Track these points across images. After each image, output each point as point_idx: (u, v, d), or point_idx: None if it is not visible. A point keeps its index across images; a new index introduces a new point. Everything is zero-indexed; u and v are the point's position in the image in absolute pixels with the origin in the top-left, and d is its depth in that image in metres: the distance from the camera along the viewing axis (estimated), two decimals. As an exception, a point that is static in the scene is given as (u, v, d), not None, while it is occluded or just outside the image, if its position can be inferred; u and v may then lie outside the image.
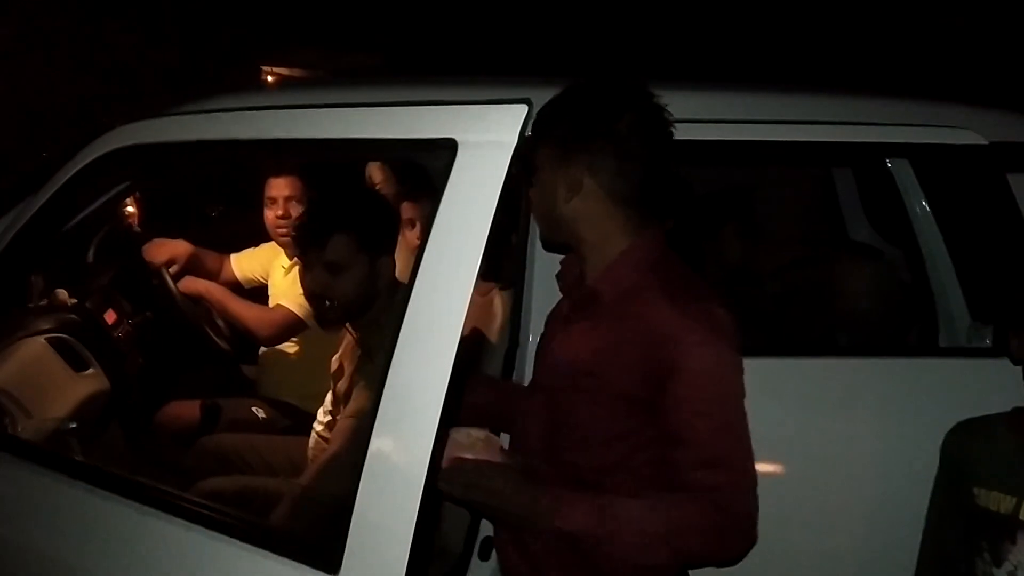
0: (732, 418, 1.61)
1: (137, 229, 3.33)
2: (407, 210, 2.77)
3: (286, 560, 1.57)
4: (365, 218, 2.38)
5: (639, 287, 1.65)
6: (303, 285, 2.43)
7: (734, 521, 1.58)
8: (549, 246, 1.85)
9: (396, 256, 2.45)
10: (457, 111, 1.54)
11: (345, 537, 1.46)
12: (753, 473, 1.61)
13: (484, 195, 1.45)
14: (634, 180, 1.67)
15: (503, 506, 1.62)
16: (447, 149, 1.51)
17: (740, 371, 1.64)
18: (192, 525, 1.72)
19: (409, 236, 2.78)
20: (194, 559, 1.71)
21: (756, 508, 1.60)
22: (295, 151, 1.70)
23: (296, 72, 7.13)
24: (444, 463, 1.59)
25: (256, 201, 3.27)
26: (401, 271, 2.47)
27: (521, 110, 1.48)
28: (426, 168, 1.58)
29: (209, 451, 2.79)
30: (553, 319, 1.84)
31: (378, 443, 1.47)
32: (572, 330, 1.75)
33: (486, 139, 1.49)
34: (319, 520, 2.05)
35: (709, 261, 2.79)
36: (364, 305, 2.38)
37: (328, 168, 2.99)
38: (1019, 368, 1.94)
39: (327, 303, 2.36)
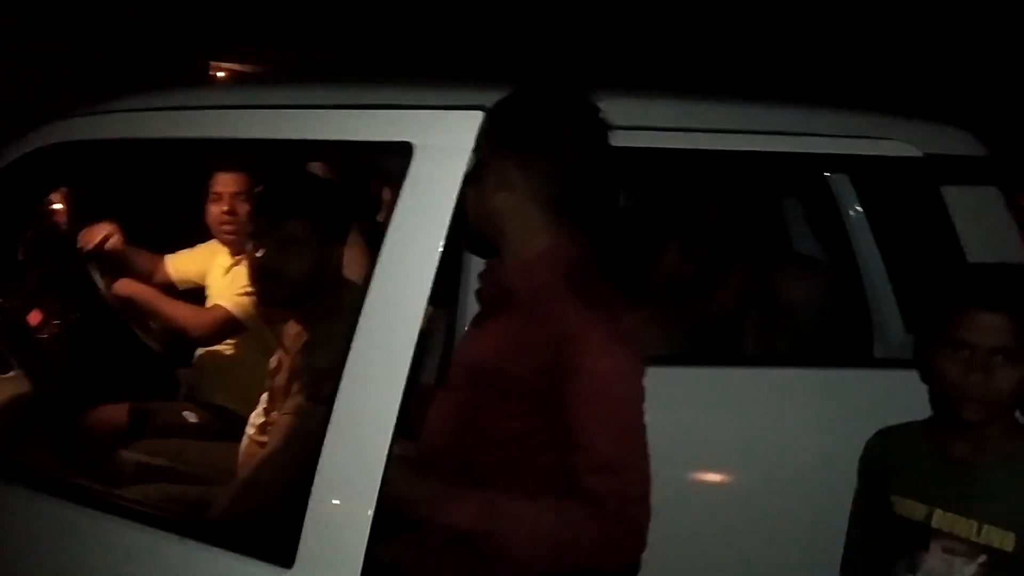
0: (629, 424, 1.60)
1: (66, 228, 3.22)
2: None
3: (239, 556, 1.56)
4: (323, 203, 2.38)
5: (550, 288, 1.66)
6: (252, 263, 2.39)
7: (620, 530, 1.57)
8: (471, 243, 1.85)
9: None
10: (413, 115, 1.54)
11: (299, 531, 1.46)
12: (646, 482, 1.60)
13: (441, 198, 1.46)
14: (564, 186, 1.68)
15: (391, 494, 1.61)
16: (402, 152, 1.50)
17: (640, 378, 1.63)
18: (136, 524, 1.72)
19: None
20: (139, 556, 1.68)
21: (646, 517, 1.59)
22: (246, 151, 1.67)
23: (247, 68, 6.97)
24: None
25: (194, 202, 3.19)
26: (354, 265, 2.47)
27: (477, 116, 1.49)
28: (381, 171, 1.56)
29: (134, 457, 2.70)
30: (474, 318, 1.86)
31: (334, 437, 1.47)
32: (482, 328, 1.76)
33: (442, 143, 1.49)
34: (268, 515, 2.01)
35: (649, 275, 2.80)
36: (311, 290, 2.37)
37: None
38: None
39: (276, 280, 2.34)
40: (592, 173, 1.70)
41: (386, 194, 2.54)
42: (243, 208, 3.06)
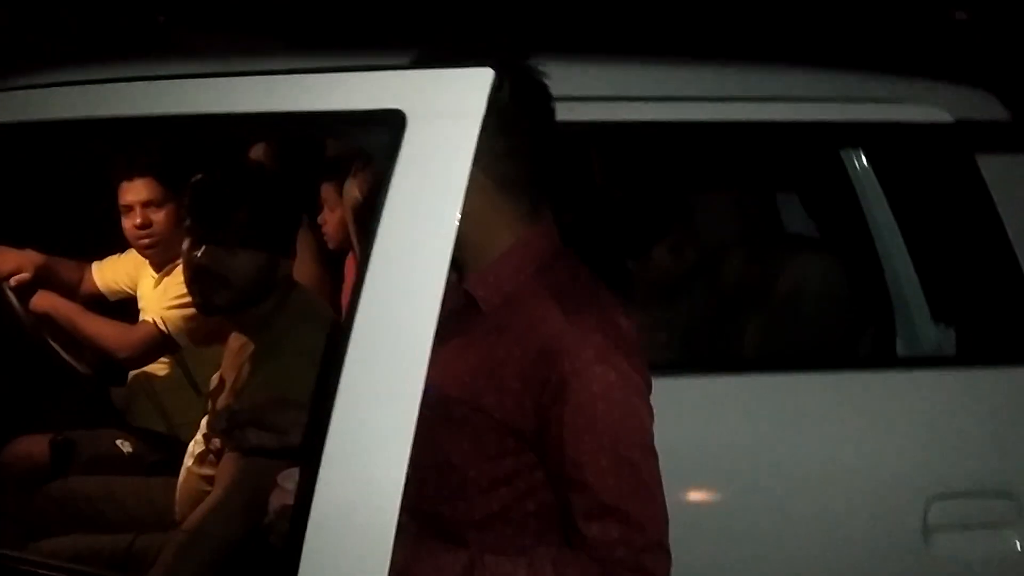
0: (634, 455, 1.32)
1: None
2: (328, 192, 2.56)
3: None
4: (270, 198, 2.11)
5: (524, 293, 1.37)
6: (190, 265, 2.10)
7: None
8: None
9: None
10: (403, 77, 1.23)
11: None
12: (659, 526, 1.33)
13: (445, 178, 1.16)
14: (524, 161, 1.38)
15: None
16: (391, 123, 1.19)
17: (646, 397, 1.36)
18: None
19: (329, 219, 2.71)
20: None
21: (665, 568, 1.32)
22: (190, 129, 1.33)
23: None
24: (272, 515, 1.35)
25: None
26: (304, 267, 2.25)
27: (486, 75, 1.18)
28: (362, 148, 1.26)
29: (54, 500, 2.35)
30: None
31: (329, 481, 1.19)
32: (443, 350, 1.43)
33: (443, 109, 1.19)
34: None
35: (639, 279, 2.55)
36: (257, 294, 2.09)
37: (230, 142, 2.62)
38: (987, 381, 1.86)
39: (218, 283, 2.07)
40: (548, 143, 1.42)
41: (364, 177, 2.25)
42: (157, 217, 2.76)
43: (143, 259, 2.90)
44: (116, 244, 2.97)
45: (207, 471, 2.13)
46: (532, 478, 1.36)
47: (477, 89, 1.17)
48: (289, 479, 1.35)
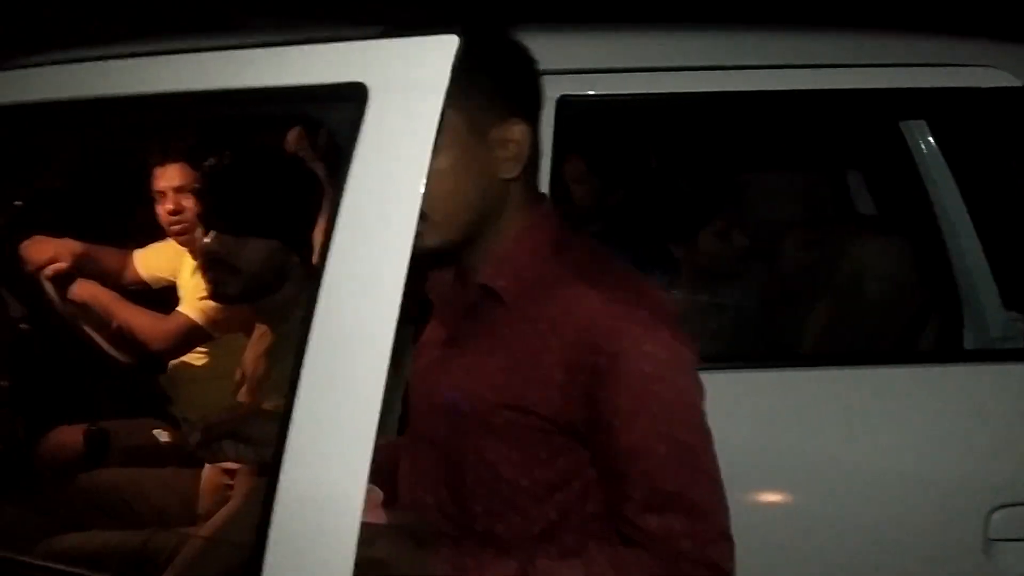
0: (691, 438, 1.22)
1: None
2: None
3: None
4: (284, 183, 2.07)
5: (547, 278, 1.26)
6: (199, 251, 2.08)
7: None
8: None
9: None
10: (363, 48, 1.14)
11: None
12: (722, 513, 1.23)
13: (410, 154, 1.07)
14: (537, 141, 1.30)
15: None
16: (353, 98, 1.11)
17: (696, 373, 1.25)
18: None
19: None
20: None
21: (730, 559, 1.22)
22: (139, 109, 1.26)
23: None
24: None
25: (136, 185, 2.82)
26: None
27: (451, 43, 1.08)
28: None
29: (84, 491, 2.32)
30: (425, 348, 1.41)
31: (290, 480, 1.12)
32: (463, 354, 1.32)
33: (407, 81, 1.09)
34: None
35: (686, 266, 2.41)
36: (270, 283, 2.05)
37: (246, 124, 2.56)
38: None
39: (229, 271, 2.03)
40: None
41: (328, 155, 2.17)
42: (189, 203, 2.70)
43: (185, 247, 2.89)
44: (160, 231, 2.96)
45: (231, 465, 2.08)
46: (586, 478, 1.27)
47: (441, 58, 1.07)
48: None
